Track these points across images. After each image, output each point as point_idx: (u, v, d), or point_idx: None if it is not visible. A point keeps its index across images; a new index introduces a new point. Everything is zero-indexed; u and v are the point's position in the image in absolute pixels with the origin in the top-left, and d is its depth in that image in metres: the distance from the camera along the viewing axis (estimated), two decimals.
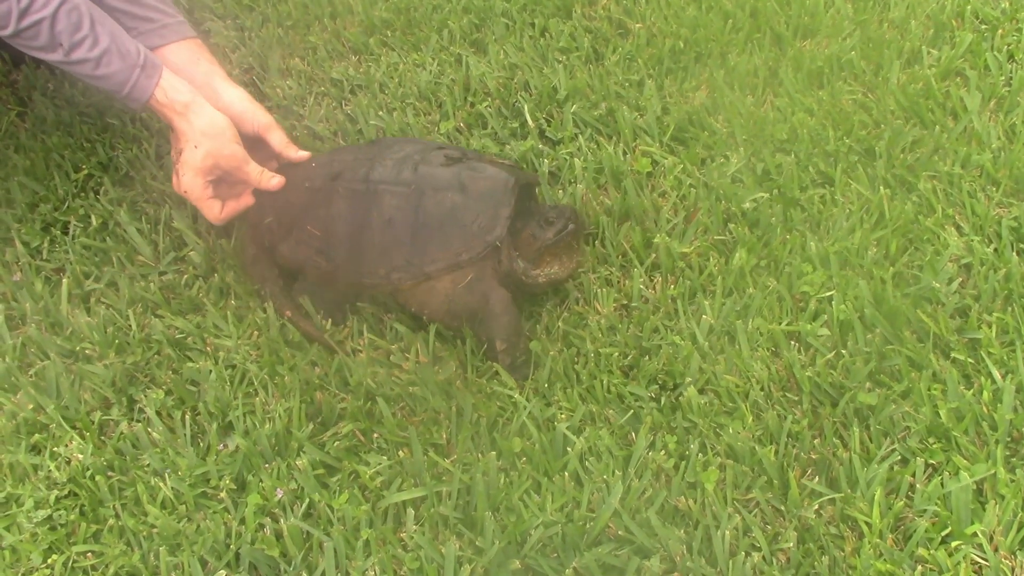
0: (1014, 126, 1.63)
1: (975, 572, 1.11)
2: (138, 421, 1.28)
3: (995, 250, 1.45)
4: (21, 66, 1.77)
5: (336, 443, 1.25)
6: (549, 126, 1.68)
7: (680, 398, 1.29)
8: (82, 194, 1.57)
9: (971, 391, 1.27)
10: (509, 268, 1.34)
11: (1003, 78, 1.71)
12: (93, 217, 1.53)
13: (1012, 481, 1.18)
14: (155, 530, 1.17)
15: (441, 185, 1.32)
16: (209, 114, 1.34)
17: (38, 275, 1.46)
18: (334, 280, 1.36)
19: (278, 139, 1.45)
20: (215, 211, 1.38)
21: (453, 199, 1.31)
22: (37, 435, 1.26)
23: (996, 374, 1.29)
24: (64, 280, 1.44)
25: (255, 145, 1.43)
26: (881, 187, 1.53)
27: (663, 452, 1.22)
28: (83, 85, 1.72)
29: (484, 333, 1.32)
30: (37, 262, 1.48)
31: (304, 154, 1.46)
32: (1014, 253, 1.44)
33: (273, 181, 1.41)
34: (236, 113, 1.41)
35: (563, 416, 1.27)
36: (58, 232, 1.53)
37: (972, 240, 1.46)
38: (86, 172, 1.60)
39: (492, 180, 1.33)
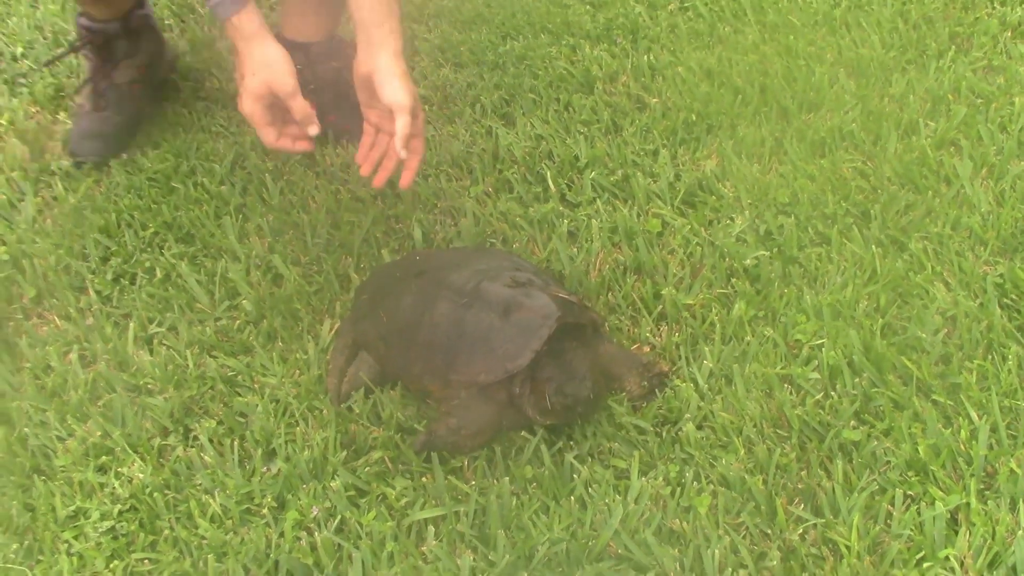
0: (1003, 191, 1.76)
1: None
2: (192, 447, 1.44)
3: (980, 304, 1.56)
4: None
5: (367, 468, 1.39)
6: (570, 191, 1.84)
7: (679, 432, 1.41)
8: (148, 249, 1.75)
9: (949, 430, 1.38)
10: (519, 397, 1.40)
11: (994, 148, 1.83)
12: (158, 269, 1.70)
13: (984, 511, 1.28)
14: (204, 541, 1.31)
15: (490, 304, 1.40)
16: (269, 47, 1.49)
17: (108, 320, 1.64)
18: (386, 365, 1.48)
19: (401, 125, 1.48)
20: (271, 137, 1.52)
21: (492, 321, 1.39)
22: (104, 457, 1.42)
23: (973, 415, 1.39)
24: (131, 324, 1.61)
25: (385, 111, 1.53)
26: (874, 246, 1.66)
27: (662, 479, 1.35)
28: (150, 154, 1.93)
29: (447, 413, 1.40)
30: (107, 308, 1.66)
31: (315, 128, 1.53)
32: (998, 307, 1.55)
33: (312, 129, 1.52)
34: (380, 78, 1.50)
35: (571, 446, 1.40)
36: (127, 282, 1.70)
37: (959, 295, 1.57)
38: (152, 230, 1.78)
39: (534, 311, 1.39)
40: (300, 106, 1.51)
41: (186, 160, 1.92)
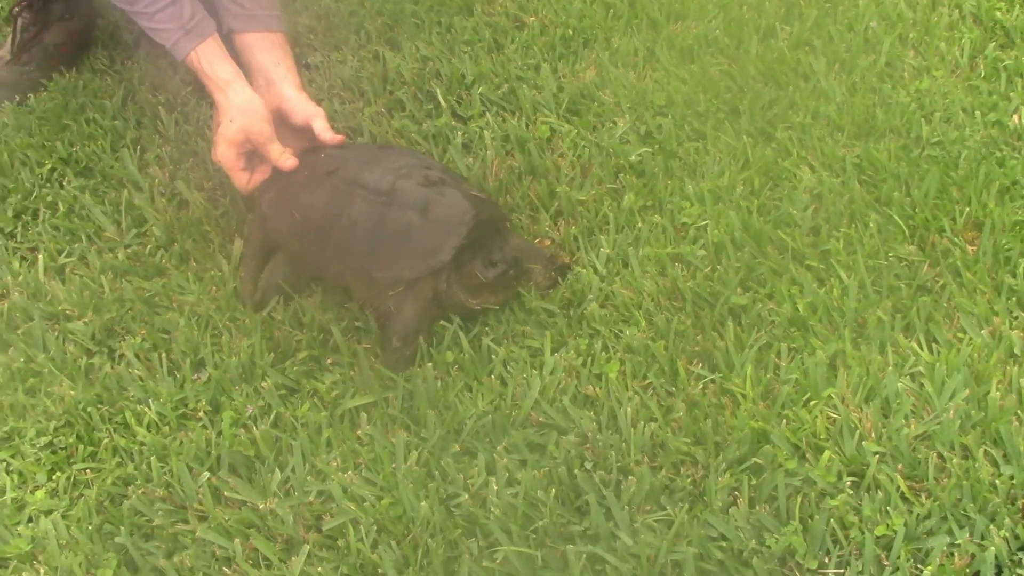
0: (855, 83, 1.92)
1: (830, 423, 1.37)
2: (119, 364, 1.47)
3: (842, 182, 1.72)
4: None
5: (295, 368, 1.46)
6: (460, 106, 1.92)
7: (585, 312, 1.53)
8: (48, 185, 1.76)
9: (823, 289, 1.53)
10: (447, 291, 1.47)
11: (844, 45, 2.00)
12: (60, 203, 1.71)
13: (857, 355, 1.44)
14: (144, 446, 1.36)
15: (407, 203, 1.45)
16: (246, 93, 1.54)
17: (14, 255, 1.64)
18: (300, 263, 1.53)
19: (319, 126, 1.61)
20: (243, 181, 1.57)
21: (411, 219, 1.45)
22: (31, 380, 1.45)
23: (843, 275, 1.55)
24: (40, 256, 1.62)
25: (304, 133, 1.62)
26: (745, 137, 1.81)
27: (573, 352, 1.46)
28: (38, 96, 1.92)
29: (387, 328, 1.46)
30: (12, 244, 1.67)
31: (338, 138, 1.62)
32: (857, 183, 1.72)
33: (288, 163, 1.57)
34: (290, 104, 1.60)
35: (487, 331, 1.50)
36: (28, 218, 1.71)
37: (822, 175, 1.73)
38: (49, 166, 1.78)
39: (452, 209, 1.46)
40: (277, 151, 1.57)
41: (74, 98, 1.92)
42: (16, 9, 1.95)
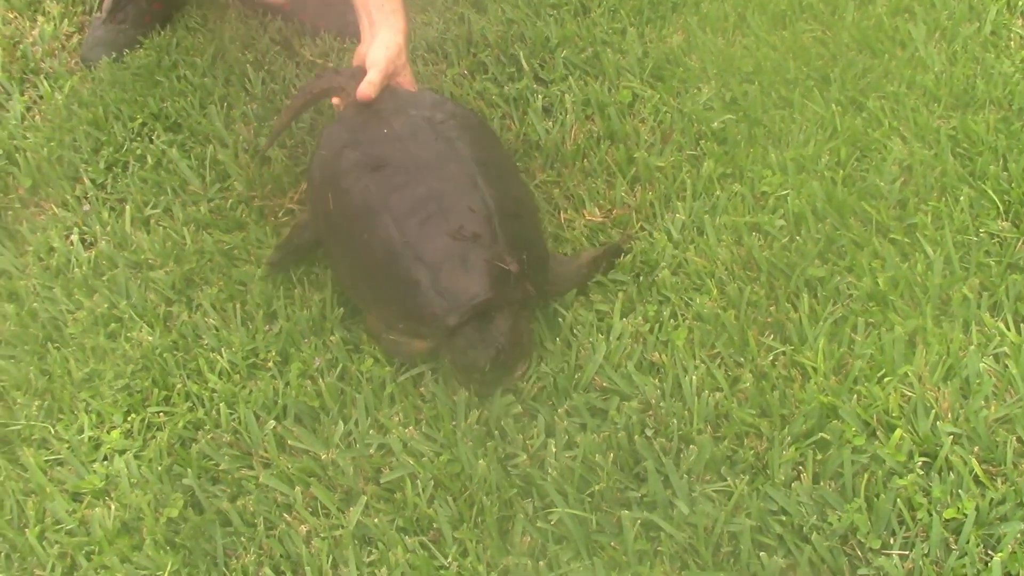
0: (955, 52, 1.84)
1: (904, 402, 1.32)
2: (196, 312, 1.51)
3: (935, 154, 1.65)
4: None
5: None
6: (542, 69, 1.91)
7: (656, 279, 1.50)
8: (138, 139, 1.81)
9: (906, 264, 1.48)
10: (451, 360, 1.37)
11: (946, 12, 1.91)
12: (149, 157, 1.76)
13: (939, 332, 1.39)
14: (215, 393, 1.40)
15: (423, 256, 1.35)
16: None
17: (104, 205, 1.70)
18: (323, 244, 1.50)
19: (363, 80, 1.51)
20: None
21: (420, 277, 1.35)
22: (113, 325, 1.50)
23: (929, 250, 1.49)
24: (127, 207, 1.67)
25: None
26: (834, 106, 1.75)
27: (641, 319, 1.44)
28: (133, 52, 1.98)
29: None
30: (102, 195, 1.72)
31: (366, 94, 1.52)
32: (951, 155, 1.65)
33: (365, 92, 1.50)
34: (376, 42, 1.54)
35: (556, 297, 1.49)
36: (119, 170, 1.76)
37: (914, 146, 1.66)
38: (140, 121, 1.83)
39: (462, 283, 1.34)
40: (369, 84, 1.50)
41: (167, 55, 1.97)
42: None
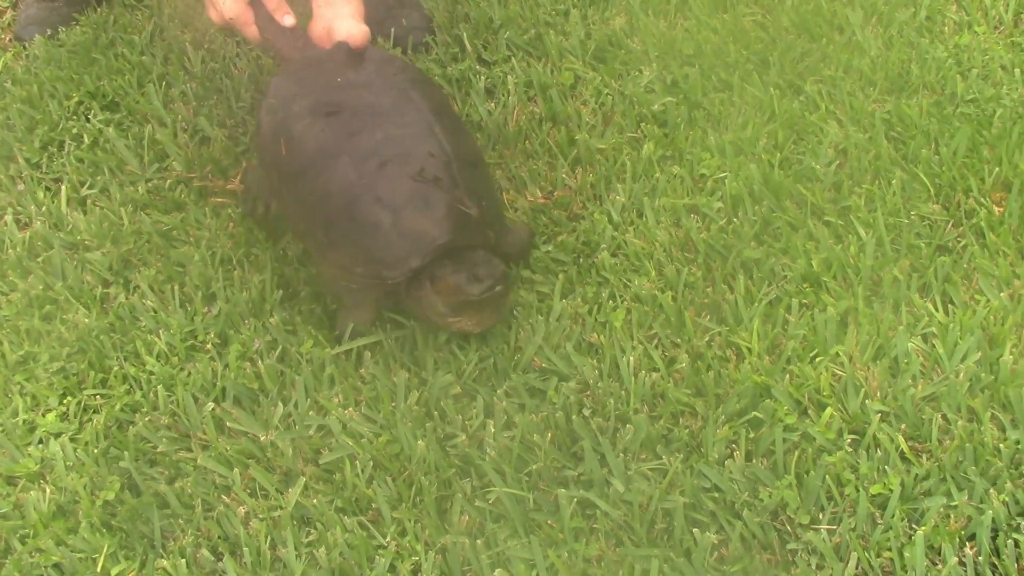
0: (891, 37, 1.87)
1: (835, 381, 1.35)
2: (134, 294, 1.50)
3: (869, 137, 1.69)
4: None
5: (302, 307, 1.47)
6: (486, 50, 1.91)
7: (596, 260, 1.52)
8: (74, 118, 1.78)
9: (840, 246, 1.51)
10: (424, 303, 1.36)
11: None
12: (85, 136, 1.74)
13: (870, 313, 1.42)
14: (153, 375, 1.39)
15: (385, 197, 1.34)
16: None
17: (39, 185, 1.67)
18: (274, 195, 1.48)
19: (344, 23, 1.48)
20: (255, 33, 1.51)
21: (381, 218, 1.33)
22: (48, 307, 1.48)
23: (861, 232, 1.52)
24: (63, 187, 1.65)
25: None
26: (773, 90, 1.77)
27: (580, 300, 1.46)
28: (70, 30, 1.94)
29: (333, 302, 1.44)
30: (37, 174, 1.70)
31: (290, 21, 1.52)
32: (885, 139, 1.68)
33: (287, 20, 1.49)
34: (338, 22, 1.49)
35: None
36: (55, 149, 1.74)
37: (849, 130, 1.69)
38: (76, 99, 1.81)
39: (425, 224, 1.34)
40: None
41: (104, 33, 1.94)
42: None
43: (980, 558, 1.16)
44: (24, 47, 1.94)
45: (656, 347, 1.41)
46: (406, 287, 1.37)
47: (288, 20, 1.52)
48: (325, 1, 1.53)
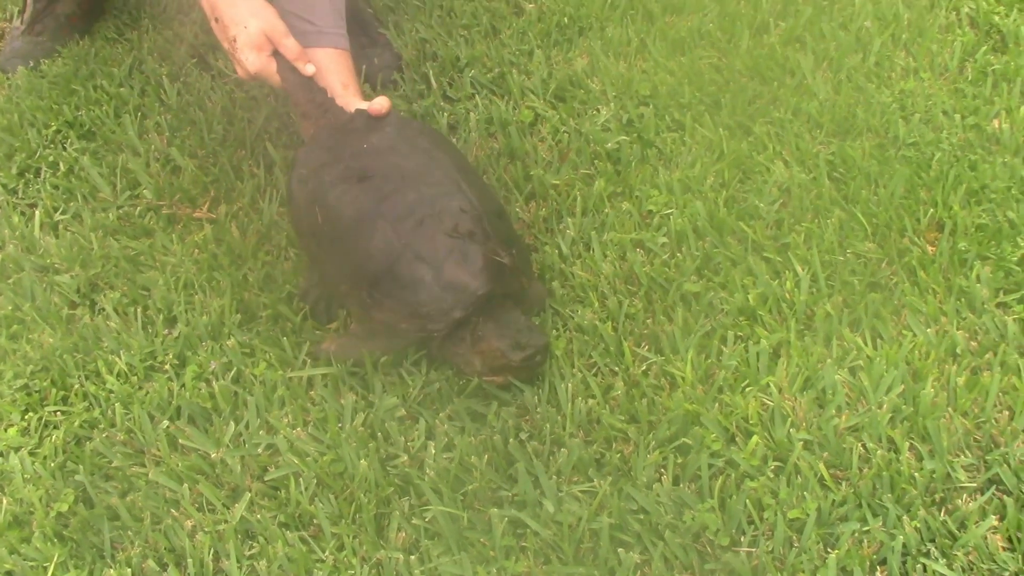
0: (840, 81, 1.95)
1: (763, 410, 1.41)
2: (98, 315, 1.57)
3: (813, 177, 1.76)
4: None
5: (259, 330, 1.54)
6: (451, 88, 1.99)
7: None
8: (52, 146, 1.86)
9: (777, 281, 1.57)
10: (460, 357, 1.43)
11: (834, 43, 2.02)
12: (61, 163, 1.81)
13: (801, 346, 1.48)
14: (112, 393, 1.45)
15: (426, 255, 1.41)
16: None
17: (15, 210, 1.74)
18: (314, 261, 1.55)
19: (287, 46, 1.56)
20: (278, 80, 1.57)
21: (424, 275, 1.40)
22: (15, 326, 1.54)
23: (798, 268, 1.59)
24: (37, 212, 1.72)
25: None
26: (723, 130, 1.84)
27: None
28: (52, 61, 2.02)
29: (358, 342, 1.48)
30: (13, 200, 1.77)
31: (311, 69, 1.59)
32: (827, 179, 1.75)
33: (309, 68, 1.57)
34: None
35: None
36: (31, 176, 1.81)
37: (794, 170, 1.77)
38: (55, 128, 1.88)
39: (466, 277, 1.40)
40: (292, 46, 1.57)
41: (85, 65, 2.02)
42: None
43: None
44: (7, 77, 2.02)
45: (595, 375, 1.47)
46: (443, 337, 1.43)
47: (310, 69, 1.59)
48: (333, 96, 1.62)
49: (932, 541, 1.25)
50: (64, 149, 1.84)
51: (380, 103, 1.57)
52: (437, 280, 1.40)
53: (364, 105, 1.59)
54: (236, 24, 1.54)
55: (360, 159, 1.52)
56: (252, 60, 1.55)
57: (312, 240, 1.51)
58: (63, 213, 1.74)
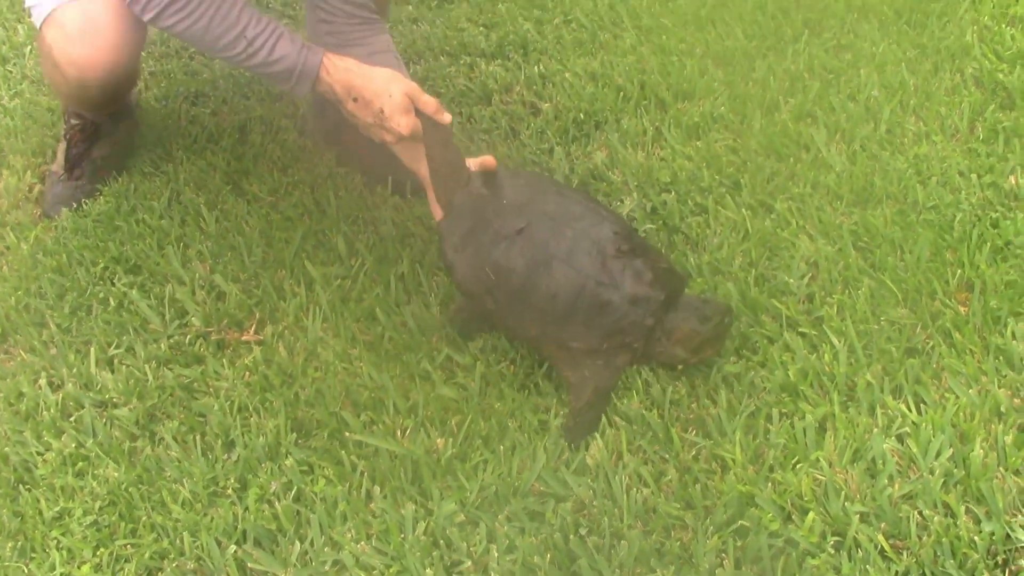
0: (855, 152, 2.00)
1: (816, 485, 1.43)
2: (159, 446, 1.61)
3: (838, 249, 1.80)
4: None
5: (315, 445, 1.58)
6: None
7: None
8: (100, 283, 1.93)
9: (815, 355, 1.60)
10: (664, 354, 1.59)
11: (845, 115, 2.08)
12: (111, 299, 1.88)
13: (846, 417, 1.51)
14: (178, 522, 1.49)
15: (606, 280, 1.53)
16: (381, 68, 1.64)
17: (70, 348, 1.80)
18: (494, 319, 1.65)
19: (426, 101, 1.65)
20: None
21: (610, 297, 1.53)
22: (80, 464, 1.59)
23: (835, 340, 1.62)
24: (92, 349, 1.78)
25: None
26: (745, 210, 1.89)
27: None
28: (94, 200, 2.10)
29: (580, 391, 1.56)
30: (68, 338, 1.83)
31: (448, 117, 1.66)
32: (853, 249, 1.79)
33: (446, 117, 1.64)
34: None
35: (499, 405, 1.60)
36: (83, 314, 1.87)
37: (819, 243, 1.81)
38: (102, 265, 1.95)
39: (646, 287, 1.54)
40: (430, 100, 1.64)
41: (126, 201, 2.10)
42: (68, 133, 2.13)
43: None
44: (52, 220, 2.11)
45: (645, 463, 1.50)
46: (643, 346, 1.57)
47: (447, 118, 1.67)
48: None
49: None
50: (113, 284, 1.91)
51: (488, 160, 1.66)
52: (623, 297, 1.53)
53: (472, 163, 1.67)
54: (380, 96, 1.62)
55: (506, 216, 1.61)
56: (405, 123, 1.63)
57: (488, 299, 1.60)
58: (116, 347, 1.79)
